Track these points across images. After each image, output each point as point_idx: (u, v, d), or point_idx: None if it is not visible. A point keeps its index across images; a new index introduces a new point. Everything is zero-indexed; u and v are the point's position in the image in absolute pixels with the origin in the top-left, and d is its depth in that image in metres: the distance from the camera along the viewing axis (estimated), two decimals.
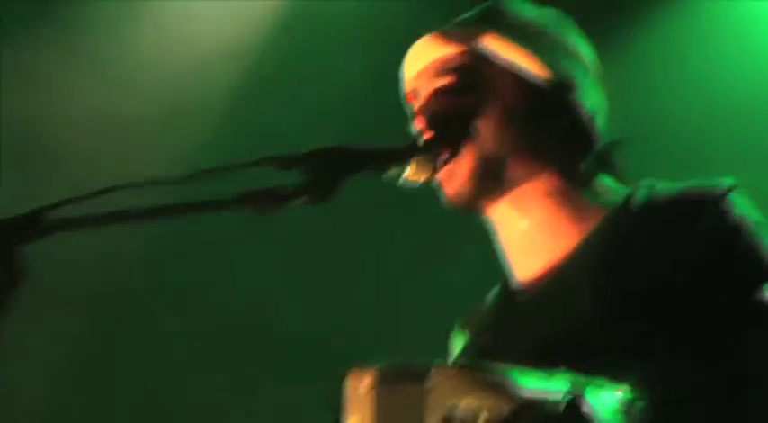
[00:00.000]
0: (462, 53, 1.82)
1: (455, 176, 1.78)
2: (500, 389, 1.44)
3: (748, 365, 1.57)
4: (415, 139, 1.79)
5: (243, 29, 4.34)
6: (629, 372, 1.46)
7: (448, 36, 1.84)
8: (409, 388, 1.52)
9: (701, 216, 1.65)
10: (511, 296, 1.84)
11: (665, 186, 1.76)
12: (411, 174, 1.73)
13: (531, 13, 1.88)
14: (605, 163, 1.85)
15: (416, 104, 1.86)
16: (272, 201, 1.49)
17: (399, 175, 1.72)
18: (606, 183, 1.84)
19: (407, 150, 1.73)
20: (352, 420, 1.55)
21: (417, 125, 1.81)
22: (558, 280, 1.76)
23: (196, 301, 4.39)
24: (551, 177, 1.80)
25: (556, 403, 1.39)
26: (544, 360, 1.47)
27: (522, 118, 1.79)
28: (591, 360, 1.49)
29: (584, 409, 1.38)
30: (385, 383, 1.54)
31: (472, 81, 1.80)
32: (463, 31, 1.84)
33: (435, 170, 1.76)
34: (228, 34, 4.33)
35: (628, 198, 1.77)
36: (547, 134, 1.80)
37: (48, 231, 1.52)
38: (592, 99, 1.84)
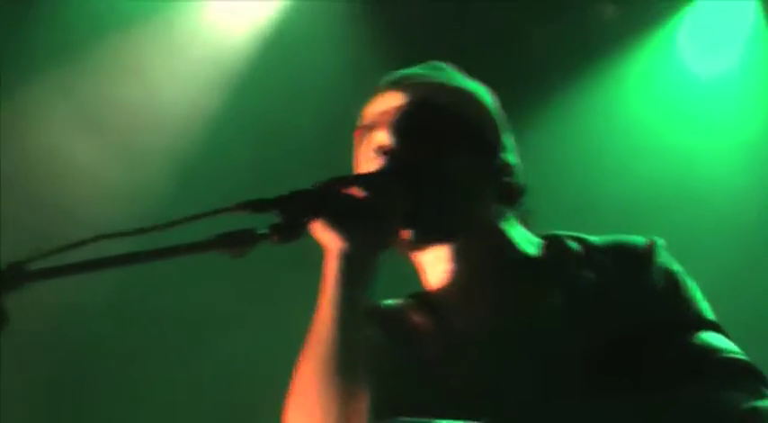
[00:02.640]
0: (418, 103, 1.92)
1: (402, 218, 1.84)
2: None
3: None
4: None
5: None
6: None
7: (405, 86, 1.94)
8: None
9: (639, 263, 1.82)
10: (446, 335, 1.90)
11: (593, 237, 1.91)
12: None
13: (462, 79, 2.01)
14: (520, 215, 1.97)
15: (369, 142, 1.94)
16: (245, 242, 1.57)
17: None
18: (520, 232, 1.96)
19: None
20: None
21: (374, 160, 1.90)
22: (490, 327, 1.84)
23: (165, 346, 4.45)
24: (483, 226, 1.91)
25: None
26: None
27: (463, 171, 1.90)
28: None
29: None
30: None
31: (427, 130, 1.89)
32: (417, 84, 1.94)
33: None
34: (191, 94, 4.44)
35: (545, 247, 1.92)
36: (482, 187, 1.92)
37: (29, 281, 1.59)
38: (513, 157, 1.98)
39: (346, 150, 2.02)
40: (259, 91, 4.48)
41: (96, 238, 1.61)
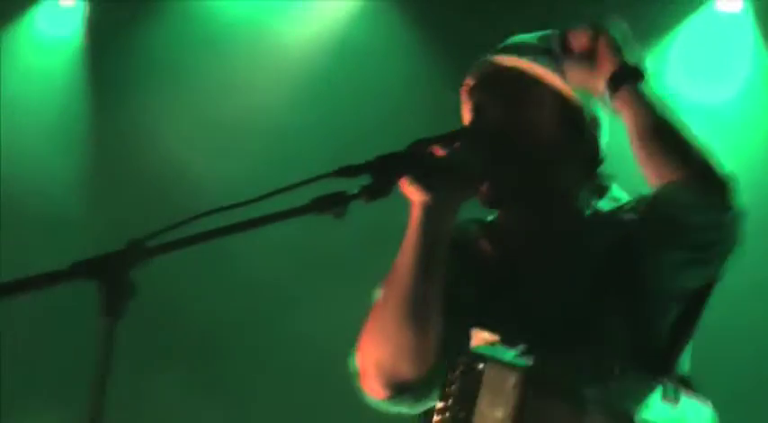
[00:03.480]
0: (513, 71, 2.09)
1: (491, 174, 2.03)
2: None
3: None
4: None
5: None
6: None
7: (507, 54, 2.12)
8: (562, 405, 1.77)
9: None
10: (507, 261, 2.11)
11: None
12: None
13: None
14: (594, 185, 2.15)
15: (471, 101, 2.12)
16: (339, 203, 1.73)
17: None
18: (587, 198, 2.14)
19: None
20: (490, 412, 1.75)
21: (467, 117, 2.11)
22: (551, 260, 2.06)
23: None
24: (563, 183, 2.10)
25: None
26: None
27: (554, 135, 2.08)
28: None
29: None
30: (537, 389, 1.75)
31: (527, 96, 2.08)
32: (519, 53, 2.11)
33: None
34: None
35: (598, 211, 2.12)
36: (570, 155, 2.10)
37: (149, 256, 1.76)
38: (601, 133, 2.14)
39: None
40: (335, 96, 4.99)
41: (212, 211, 1.78)
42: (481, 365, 1.79)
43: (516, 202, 2.09)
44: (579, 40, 2.06)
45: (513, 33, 2.19)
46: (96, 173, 5.18)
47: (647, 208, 2.02)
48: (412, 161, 1.86)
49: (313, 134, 4.93)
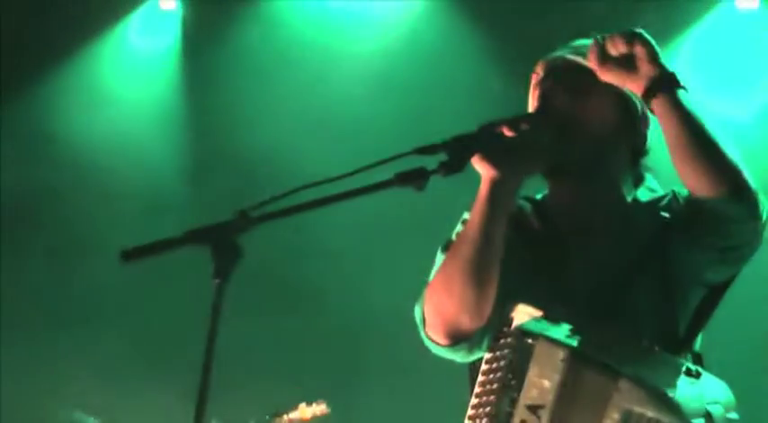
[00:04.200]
0: (578, 64, 2.35)
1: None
2: (675, 411, 1.99)
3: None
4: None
5: None
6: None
7: (573, 49, 2.38)
8: (600, 378, 2.04)
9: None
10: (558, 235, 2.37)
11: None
12: None
13: None
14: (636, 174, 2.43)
15: (540, 89, 2.38)
16: (420, 177, 1.98)
17: None
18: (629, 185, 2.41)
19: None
20: (539, 381, 2.05)
21: (536, 101, 2.37)
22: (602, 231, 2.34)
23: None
24: (614, 168, 2.38)
25: None
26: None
27: (611, 123, 2.35)
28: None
29: None
30: (580, 363, 2.04)
31: (591, 88, 2.32)
32: (583, 49, 2.36)
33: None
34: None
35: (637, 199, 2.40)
36: (623, 143, 2.38)
37: (253, 225, 2.03)
38: (647, 130, 2.41)
39: None
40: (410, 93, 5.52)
41: (306, 186, 2.04)
42: (531, 340, 2.08)
43: (571, 179, 2.34)
44: (617, 45, 2.23)
45: (569, 32, 2.43)
46: (195, 158, 5.77)
47: (690, 212, 2.25)
48: (483, 140, 2.12)
49: (386, 124, 5.38)
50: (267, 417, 3.85)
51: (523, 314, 2.15)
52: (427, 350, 2.32)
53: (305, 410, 3.86)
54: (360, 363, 5.50)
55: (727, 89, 5.14)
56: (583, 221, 2.34)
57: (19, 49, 5.71)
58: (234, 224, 2.02)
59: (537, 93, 2.38)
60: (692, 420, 2.05)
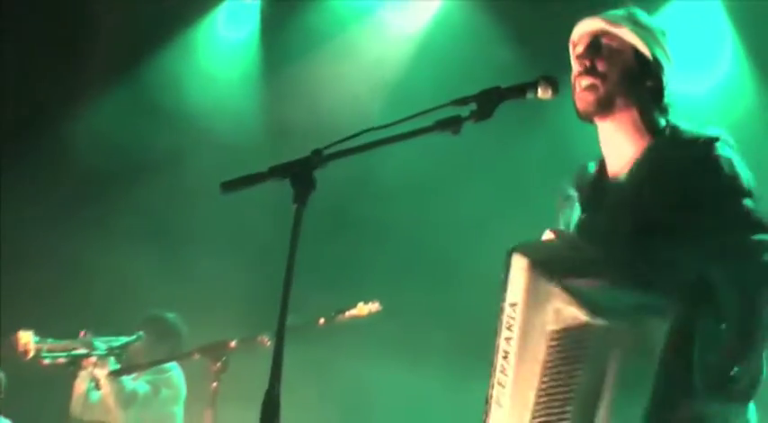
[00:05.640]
0: (611, 32, 2.85)
1: (587, 98, 2.77)
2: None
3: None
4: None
5: None
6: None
7: (605, 21, 2.87)
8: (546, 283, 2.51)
9: (702, 150, 2.75)
10: (603, 182, 2.88)
11: (681, 129, 2.85)
12: (542, 93, 2.66)
13: (646, 18, 2.91)
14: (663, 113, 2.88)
15: (576, 51, 2.89)
16: (455, 123, 2.46)
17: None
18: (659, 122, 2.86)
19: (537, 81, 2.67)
20: (514, 285, 2.56)
21: (577, 63, 2.86)
22: (627, 176, 2.83)
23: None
24: (636, 113, 2.84)
25: None
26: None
27: (632, 75, 2.83)
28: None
29: None
30: (537, 270, 2.51)
31: (612, 47, 2.84)
32: (613, 21, 2.86)
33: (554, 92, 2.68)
34: None
35: (662, 132, 2.85)
36: (642, 89, 2.84)
37: (325, 161, 2.49)
38: (668, 78, 2.86)
39: None
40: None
41: (370, 129, 2.52)
42: (509, 255, 2.60)
43: (607, 115, 2.82)
44: None
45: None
46: (273, 120, 7.21)
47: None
48: (508, 90, 2.57)
49: (427, 88, 6.39)
50: (332, 313, 4.40)
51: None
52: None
53: (362, 308, 4.36)
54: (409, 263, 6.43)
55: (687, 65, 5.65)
56: (615, 168, 2.85)
57: (128, 38, 7.17)
58: (308, 160, 2.46)
59: (577, 60, 2.86)
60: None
